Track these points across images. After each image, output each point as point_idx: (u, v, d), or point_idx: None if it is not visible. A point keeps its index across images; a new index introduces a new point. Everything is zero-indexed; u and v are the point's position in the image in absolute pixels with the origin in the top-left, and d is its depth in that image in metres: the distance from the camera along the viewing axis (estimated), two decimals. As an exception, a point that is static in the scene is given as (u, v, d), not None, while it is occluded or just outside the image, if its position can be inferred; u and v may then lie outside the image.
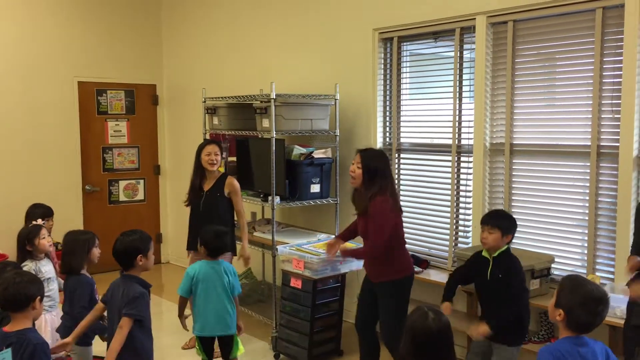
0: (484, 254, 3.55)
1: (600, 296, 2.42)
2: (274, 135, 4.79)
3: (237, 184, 4.80)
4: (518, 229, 4.23)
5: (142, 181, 7.51)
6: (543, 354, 2.42)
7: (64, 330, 3.66)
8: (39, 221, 4.25)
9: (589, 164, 3.92)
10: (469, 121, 4.54)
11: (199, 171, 4.76)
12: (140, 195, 7.50)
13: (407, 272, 3.90)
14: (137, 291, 3.21)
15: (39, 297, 2.91)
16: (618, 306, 3.40)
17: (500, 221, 3.49)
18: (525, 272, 3.55)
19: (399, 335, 3.81)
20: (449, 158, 4.70)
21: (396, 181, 4.99)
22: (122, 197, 7.36)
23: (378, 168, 3.81)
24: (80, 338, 3.45)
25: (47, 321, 3.91)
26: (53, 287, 4.02)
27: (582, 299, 2.40)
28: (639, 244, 3.23)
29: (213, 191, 4.71)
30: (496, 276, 3.46)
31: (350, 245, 4.24)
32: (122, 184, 7.36)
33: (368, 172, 3.80)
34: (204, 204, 4.72)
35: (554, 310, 2.49)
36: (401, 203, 4.01)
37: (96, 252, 3.81)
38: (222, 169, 5.29)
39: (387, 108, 5.14)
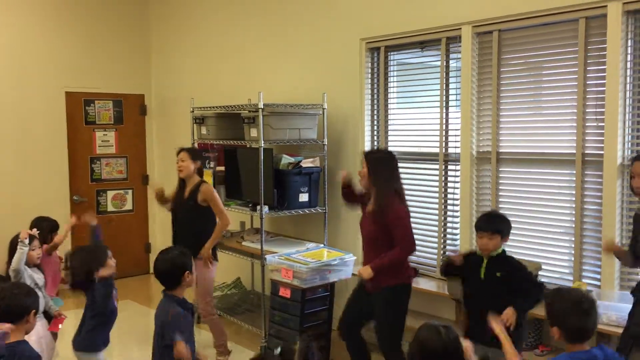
0: (478, 253, 3.52)
1: (581, 295, 2.46)
2: (262, 145, 4.80)
3: (209, 190, 4.65)
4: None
5: (130, 191, 7.48)
6: None
7: (83, 338, 3.54)
8: (34, 231, 4.11)
9: (574, 171, 3.96)
10: (456, 130, 4.58)
11: (181, 179, 4.77)
12: (128, 206, 7.47)
13: (408, 278, 3.90)
14: (176, 312, 3.08)
15: (34, 311, 2.90)
16: (604, 312, 3.42)
17: (499, 225, 3.45)
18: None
19: (397, 341, 3.83)
20: (437, 166, 4.73)
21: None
22: (110, 208, 7.32)
23: (384, 168, 3.83)
24: (86, 343, 3.48)
25: (33, 330, 3.86)
26: (39, 295, 3.96)
27: (568, 304, 2.43)
28: (633, 253, 3.27)
29: (188, 200, 4.68)
30: (493, 275, 3.40)
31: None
32: (110, 194, 7.33)
33: (374, 173, 3.80)
34: (180, 212, 4.75)
35: (551, 330, 2.49)
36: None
37: (111, 262, 3.59)
38: (209, 179, 5.29)
39: (375, 117, 5.16)
